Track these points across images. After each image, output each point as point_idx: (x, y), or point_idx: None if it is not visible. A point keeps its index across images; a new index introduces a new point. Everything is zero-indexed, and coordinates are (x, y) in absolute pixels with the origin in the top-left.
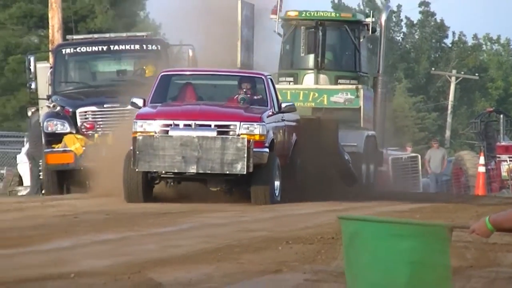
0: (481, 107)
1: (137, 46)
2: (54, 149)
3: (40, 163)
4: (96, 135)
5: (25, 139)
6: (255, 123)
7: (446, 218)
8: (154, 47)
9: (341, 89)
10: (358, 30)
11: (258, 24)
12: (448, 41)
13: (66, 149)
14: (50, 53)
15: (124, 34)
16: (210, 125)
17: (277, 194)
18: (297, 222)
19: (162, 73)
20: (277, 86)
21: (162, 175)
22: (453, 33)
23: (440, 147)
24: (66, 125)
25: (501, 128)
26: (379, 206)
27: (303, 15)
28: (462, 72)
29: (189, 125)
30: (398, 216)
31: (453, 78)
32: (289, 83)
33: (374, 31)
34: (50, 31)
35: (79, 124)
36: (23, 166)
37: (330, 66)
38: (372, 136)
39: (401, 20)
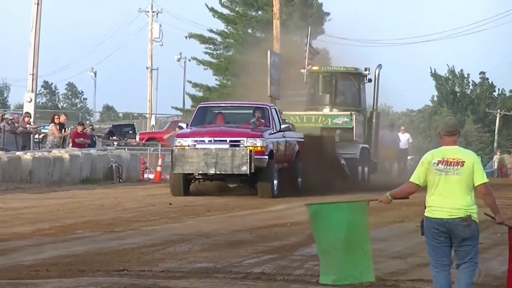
0: None
1: None
2: None
3: None
4: None
5: None
6: (257, 139)
7: None
8: None
9: (340, 114)
10: (358, 79)
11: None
12: None
13: None
14: None
15: None
16: (226, 140)
17: (275, 189)
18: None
19: (200, 106)
20: (297, 112)
21: (196, 177)
22: None
23: None
24: None
25: None
26: None
27: (322, 69)
28: None
29: (211, 141)
30: None
31: None
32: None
33: (370, 81)
34: None
35: None
36: None
37: (340, 103)
38: (366, 148)
39: None
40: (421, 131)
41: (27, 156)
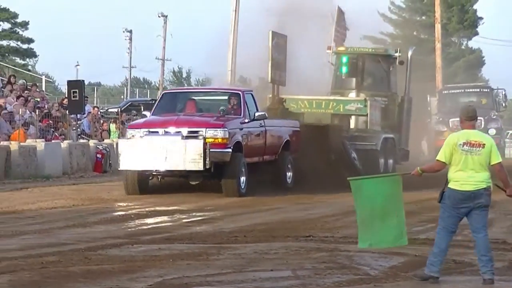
0: None
1: (476, 89)
2: None
3: None
4: None
5: None
6: (218, 129)
7: None
8: (487, 89)
9: (353, 100)
10: (388, 61)
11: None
12: None
13: None
14: None
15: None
16: (180, 132)
17: (243, 187)
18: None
19: (164, 92)
20: (305, 97)
21: (153, 173)
22: None
23: None
24: None
25: None
26: None
27: (349, 50)
28: None
29: (164, 132)
30: None
31: None
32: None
33: (402, 63)
34: None
35: None
36: None
37: (368, 87)
38: (390, 138)
39: None
40: None
41: None
